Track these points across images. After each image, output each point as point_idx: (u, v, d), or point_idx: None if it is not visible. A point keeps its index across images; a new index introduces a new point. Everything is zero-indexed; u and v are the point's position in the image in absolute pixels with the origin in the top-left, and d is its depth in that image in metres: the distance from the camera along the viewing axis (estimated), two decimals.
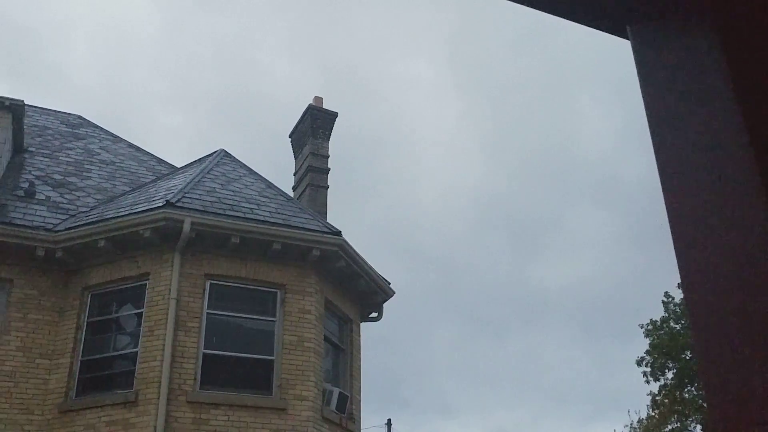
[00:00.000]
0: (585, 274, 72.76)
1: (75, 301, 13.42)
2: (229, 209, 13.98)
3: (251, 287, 13.60)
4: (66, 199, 15.20)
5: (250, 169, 16.77)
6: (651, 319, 29.04)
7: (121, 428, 12.03)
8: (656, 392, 28.81)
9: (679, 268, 1.10)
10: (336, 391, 13.98)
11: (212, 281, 13.32)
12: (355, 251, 14.55)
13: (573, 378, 63.03)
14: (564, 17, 1.25)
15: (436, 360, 71.83)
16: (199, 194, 14.25)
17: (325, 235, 14.10)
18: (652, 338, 28.79)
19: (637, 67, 1.23)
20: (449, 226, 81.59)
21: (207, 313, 13.07)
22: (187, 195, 13.97)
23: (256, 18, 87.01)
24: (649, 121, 1.19)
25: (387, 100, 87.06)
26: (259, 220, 13.86)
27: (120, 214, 13.69)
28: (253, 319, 13.58)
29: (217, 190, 14.82)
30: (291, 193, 18.05)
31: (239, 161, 17.15)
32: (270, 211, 14.46)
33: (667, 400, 28.31)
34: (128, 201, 14.73)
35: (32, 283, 13.40)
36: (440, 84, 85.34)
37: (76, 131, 19.54)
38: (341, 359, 15.12)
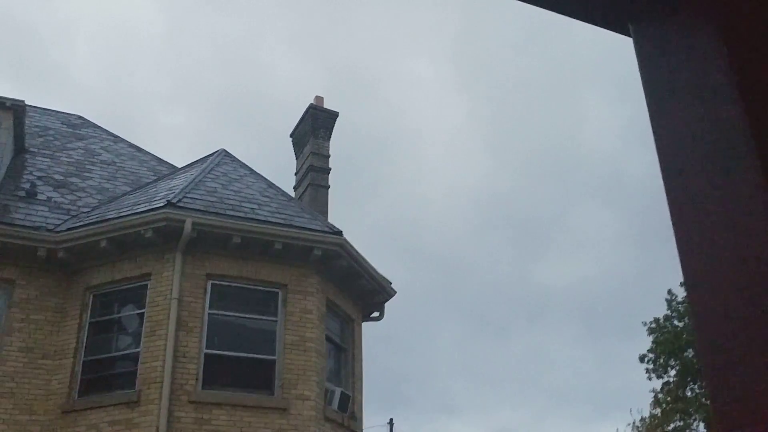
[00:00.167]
0: (588, 272, 72.76)
1: (77, 302, 13.43)
2: (231, 209, 13.99)
3: (253, 287, 13.61)
4: (67, 199, 15.22)
5: (251, 169, 16.78)
6: (654, 317, 29.08)
7: (124, 428, 12.04)
8: (659, 389, 28.83)
9: (681, 265, 1.09)
10: (338, 390, 13.98)
11: (214, 281, 13.33)
12: (356, 251, 14.56)
13: (576, 377, 63.09)
14: (566, 14, 1.25)
15: (438, 359, 71.85)
16: (200, 194, 14.26)
17: (326, 235, 14.11)
18: (655, 336, 28.81)
19: (639, 65, 1.23)
20: (452, 225, 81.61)
21: (209, 313, 13.08)
22: (188, 195, 13.98)
23: (259, 18, 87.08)
24: (651, 119, 1.19)
25: (390, 100, 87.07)
26: (260, 220, 13.87)
27: (121, 214, 13.70)
28: (255, 319, 13.58)
29: (218, 190, 14.83)
30: (292, 193, 18.06)
31: (240, 161, 17.16)
32: (271, 211, 14.47)
33: (669, 398, 28.32)
34: (129, 201, 14.74)
35: (34, 283, 13.41)
36: (444, 83, 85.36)
37: (77, 131, 19.55)
38: (343, 359, 15.13)
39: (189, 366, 12.51)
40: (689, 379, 27.88)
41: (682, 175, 1.11)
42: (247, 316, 13.54)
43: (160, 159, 19.58)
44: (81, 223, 13.82)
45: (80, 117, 20.74)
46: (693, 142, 1.10)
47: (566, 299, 71.63)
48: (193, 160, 17.73)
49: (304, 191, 18.10)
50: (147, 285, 13.13)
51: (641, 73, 1.22)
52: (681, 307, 28.13)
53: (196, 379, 12.51)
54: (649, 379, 29.12)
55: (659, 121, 1.17)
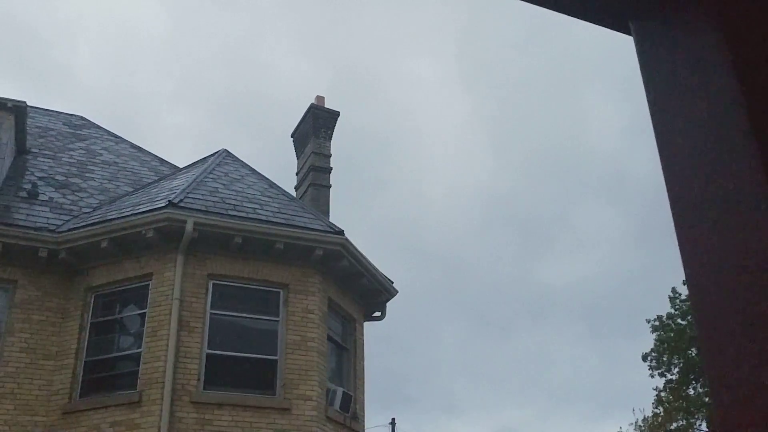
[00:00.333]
0: (591, 271, 72.74)
1: (78, 302, 13.44)
2: (232, 209, 13.99)
3: (254, 287, 13.61)
4: (69, 200, 15.23)
5: (252, 169, 16.78)
6: (658, 315, 29.11)
7: (126, 429, 12.05)
8: (661, 387, 28.85)
9: (683, 264, 1.09)
10: (340, 390, 13.98)
11: (215, 281, 13.34)
12: (357, 250, 14.56)
13: (579, 376, 63.03)
14: (566, 13, 1.24)
15: (441, 359, 71.83)
16: (201, 194, 14.26)
17: (327, 235, 14.11)
18: (658, 333, 28.84)
19: (639, 64, 1.23)
20: (454, 224, 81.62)
21: (210, 313, 13.09)
22: (189, 195, 13.98)
23: (262, 17, 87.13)
24: (652, 118, 1.19)
25: (393, 99, 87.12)
26: (261, 220, 13.88)
27: (123, 214, 13.71)
28: (257, 319, 13.59)
29: (219, 190, 14.83)
30: (293, 193, 18.06)
31: (241, 161, 17.17)
32: (272, 211, 14.47)
33: (671, 397, 28.33)
34: (131, 201, 14.75)
35: (36, 284, 13.42)
36: (446, 82, 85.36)
37: (79, 132, 19.57)
38: (345, 359, 15.13)
39: (190, 366, 12.52)
40: (692, 377, 27.88)
41: (684, 174, 1.11)
42: (248, 316, 13.55)
43: (162, 159, 19.59)
44: (82, 224, 13.83)
45: (81, 118, 20.76)
46: (694, 141, 1.09)
47: (569, 298, 71.64)
48: (194, 160, 17.75)
49: (306, 191, 18.10)
50: (148, 285, 13.14)
51: (642, 72, 1.22)
52: (684, 306, 28.15)
53: (198, 380, 12.52)
54: (652, 376, 29.16)
55: (660, 119, 1.17)
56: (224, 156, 17.08)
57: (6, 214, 13.88)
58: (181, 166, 18.38)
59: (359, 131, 78.56)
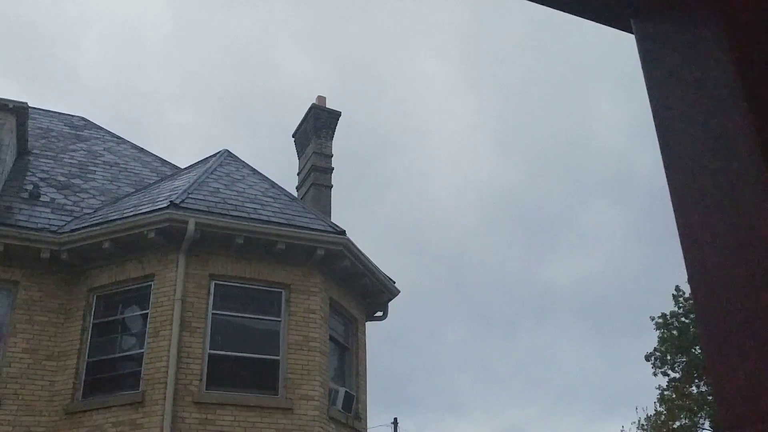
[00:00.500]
0: (596, 270, 72.69)
1: (80, 303, 13.45)
2: (233, 209, 14.00)
3: (256, 287, 13.62)
4: (70, 200, 15.24)
5: (253, 169, 16.79)
6: (662, 312, 29.08)
7: (128, 429, 12.06)
8: (664, 386, 28.82)
9: (685, 261, 1.09)
10: (342, 390, 13.99)
11: (217, 281, 13.35)
12: (359, 250, 14.56)
13: (583, 375, 62.98)
14: (568, 12, 1.25)
15: (444, 358, 71.87)
16: (203, 195, 14.27)
17: (329, 235, 14.11)
18: (662, 331, 28.81)
19: (641, 61, 1.23)
20: (459, 223, 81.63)
21: (212, 313, 13.09)
22: (191, 196, 13.99)
23: (268, 16, 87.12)
24: (653, 115, 1.19)
25: (399, 98, 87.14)
26: (263, 220, 13.88)
27: (124, 215, 13.72)
28: (258, 319, 13.59)
29: (221, 190, 14.84)
30: (295, 193, 18.06)
31: (243, 161, 17.18)
32: (274, 211, 14.47)
33: (674, 395, 28.29)
34: (132, 202, 14.76)
35: (38, 284, 13.44)
36: (452, 81, 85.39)
37: (80, 133, 19.58)
38: (347, 359, 15.13)
39: (193, 366, 12.53)
40: (695, 375, 27.85)
41: (685, 171, 1.11)
42: (250, 316, 13.55)
43: (163, 160, 19.60)
44: (84, 225, 13.84)
45: (83, 118, 20.77)
46: (695, 138, 1.09)
47: (573, 297, 71.62)
48: (196, 161, 17.76)
49: (307, 191, 18.10)
50: (150, 286, 13.15)
51: (643, 70, 1.22)
52: (688, 304, 28.11)
53: (200, 380, 12.53)
54: (655, 375, 29.12)
55: (662, 117, 1.17)
56: (225, 156, 17.09)
57: (8, 215, 13.89)
58: (183, 167, 18.40)
59: (365, 130, 78.62)
